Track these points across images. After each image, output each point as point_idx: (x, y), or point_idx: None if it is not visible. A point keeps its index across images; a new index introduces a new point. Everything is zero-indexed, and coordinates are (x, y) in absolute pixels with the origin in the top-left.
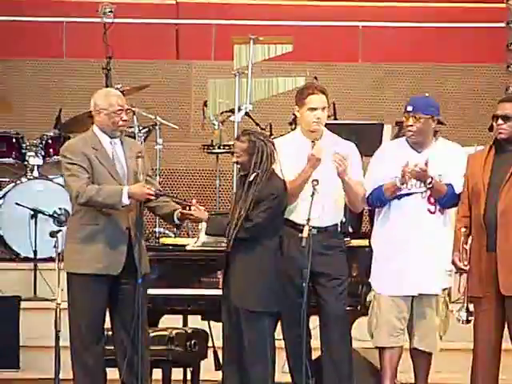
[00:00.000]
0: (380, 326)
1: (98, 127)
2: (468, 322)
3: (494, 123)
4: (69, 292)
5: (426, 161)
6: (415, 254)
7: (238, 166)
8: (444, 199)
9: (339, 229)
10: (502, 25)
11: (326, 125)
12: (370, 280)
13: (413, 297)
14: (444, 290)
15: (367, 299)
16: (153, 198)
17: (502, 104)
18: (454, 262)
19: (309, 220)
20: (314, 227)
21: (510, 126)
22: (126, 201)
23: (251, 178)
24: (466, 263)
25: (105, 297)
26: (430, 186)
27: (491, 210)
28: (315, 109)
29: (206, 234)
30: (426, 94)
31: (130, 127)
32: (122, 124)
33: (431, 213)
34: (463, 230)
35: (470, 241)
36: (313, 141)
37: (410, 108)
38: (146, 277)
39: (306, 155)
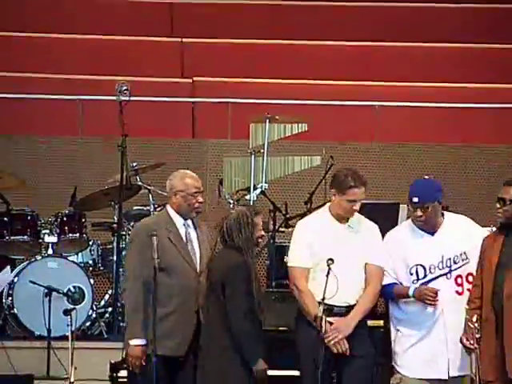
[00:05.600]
0: None
1: (173, 208)
2: None
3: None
4: (129, 372)
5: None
6: (445, 337)
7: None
8: None
9: None
10: None
11: None
12: (393, 362)
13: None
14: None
15: (391, 382)
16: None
17: (503, 187)
18: (461, 341)
19: (323, 299)
20: (341, 307)
21: (505, 210)
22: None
23: None
24: (472, 342)
25: (168, 378)
26: None
27: (498, 293)
28: (355, 201)
29: None
30: (426, 177)
31: (145, 205)
32: (198, 206)
33: (459, 294)
34: (473, 311)
35: (474, 319)
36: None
37: (415, 200)
38: None
39: (331, 236)
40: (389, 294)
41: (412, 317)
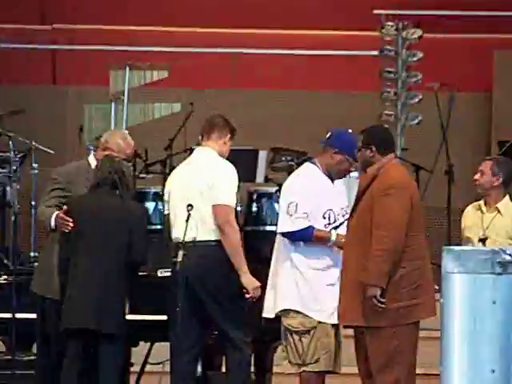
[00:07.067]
0: (329, 352)
1: (96, 159)
2: None
3: None
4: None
5: None
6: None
7: None
8: None
9: None
10: (376, 53)
11: None
12: (299, 308)
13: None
14: None
15: (300, 327)
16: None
17: None
18: None
19: (183, 245)
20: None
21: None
22: (52, 224)
23: None
24: None
25: None
26: None
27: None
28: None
29: None
30: (350, 130)
31: (5, 152)
32: None
33: None
34: None
35: None
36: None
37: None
38: None
39: None
40: (308, 237)
41: (319, 261)
